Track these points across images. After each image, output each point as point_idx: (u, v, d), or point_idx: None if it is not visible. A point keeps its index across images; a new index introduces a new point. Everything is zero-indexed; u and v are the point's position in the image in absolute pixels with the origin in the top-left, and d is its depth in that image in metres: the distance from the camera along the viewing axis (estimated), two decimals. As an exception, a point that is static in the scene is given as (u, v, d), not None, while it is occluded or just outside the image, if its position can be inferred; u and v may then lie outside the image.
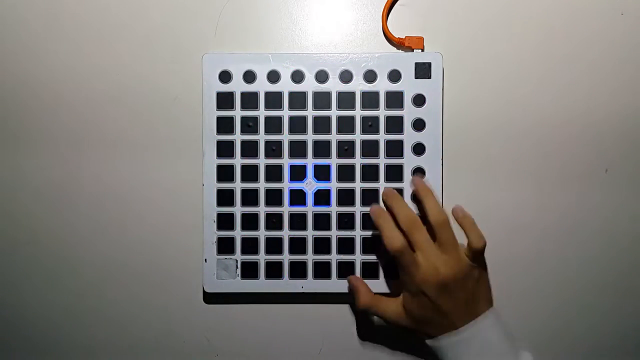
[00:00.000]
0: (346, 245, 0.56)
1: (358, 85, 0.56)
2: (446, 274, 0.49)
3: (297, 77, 0.56)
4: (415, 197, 0.55)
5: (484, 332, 0.50)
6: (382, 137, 0.56)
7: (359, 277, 0.55)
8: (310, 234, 0.56)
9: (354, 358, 0.58)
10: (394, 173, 0.56)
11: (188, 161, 0.57)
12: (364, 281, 0.55)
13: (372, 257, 0.56)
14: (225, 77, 0.56)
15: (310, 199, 0.56)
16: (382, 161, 0.56)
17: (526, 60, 0.57)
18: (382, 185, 0.56)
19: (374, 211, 0.52)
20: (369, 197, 0.56)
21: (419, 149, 0.56)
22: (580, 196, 0.57)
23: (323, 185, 0.56)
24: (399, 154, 0.56)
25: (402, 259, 0.50)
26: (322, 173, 0.56)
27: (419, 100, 0.56)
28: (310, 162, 0.56)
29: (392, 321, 0.53)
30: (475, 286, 0.51)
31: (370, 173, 0.56)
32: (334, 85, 0.56)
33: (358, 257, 0.56)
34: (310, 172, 0.56)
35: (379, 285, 0.55)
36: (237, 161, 0.56)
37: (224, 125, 0.56)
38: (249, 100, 0.56)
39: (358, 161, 0.56)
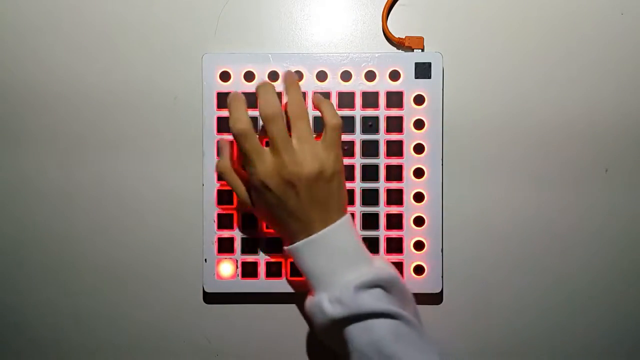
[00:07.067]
0: (346, 245, 0.56)
1: (358, 85, 0.56)
2: (293, 172, 0.48)
3: (297, 77, 0.56)
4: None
5: (339, 237, 0.49)
6: (382, 137, 0.56)
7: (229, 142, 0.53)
8: (310, 234, 0.56)
9: (354, 358, 0.58)
10: (394, 173, 0.56)
11: (188, 161, 0.57)
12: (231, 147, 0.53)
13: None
14: (225, 77, 0.56)
15: (310, 199, 0.56)
16: (382, 161, 0.56)
17: (526, 60, 0.57)
18: (382, 185, 0.56)
19: (232, 95, 0.51)
20: (369, 196, 0.56)
21: (419, 149, 0.56)
22: (580, 196, 0.57)
23: (323, 185, 0.56)
24: (399, 153, 0.56)
25: (245, 144, 0.48)
26: (322, 173, 0.56)
27: (419, 100, 0.56)
28: (310, 162, 0.56)
29: (241, 200, 0.52)
30: (326, 188, 0.49)
31: (370, 173, 0.56)
32: (334, 85, 0.56)
33: (358, 257, 0.56)
34: (310, 172, 0.56)
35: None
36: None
37: (224, 125, 0.56)
38: (249, 100, 0.56)
39: (358, 161, 0.56)
